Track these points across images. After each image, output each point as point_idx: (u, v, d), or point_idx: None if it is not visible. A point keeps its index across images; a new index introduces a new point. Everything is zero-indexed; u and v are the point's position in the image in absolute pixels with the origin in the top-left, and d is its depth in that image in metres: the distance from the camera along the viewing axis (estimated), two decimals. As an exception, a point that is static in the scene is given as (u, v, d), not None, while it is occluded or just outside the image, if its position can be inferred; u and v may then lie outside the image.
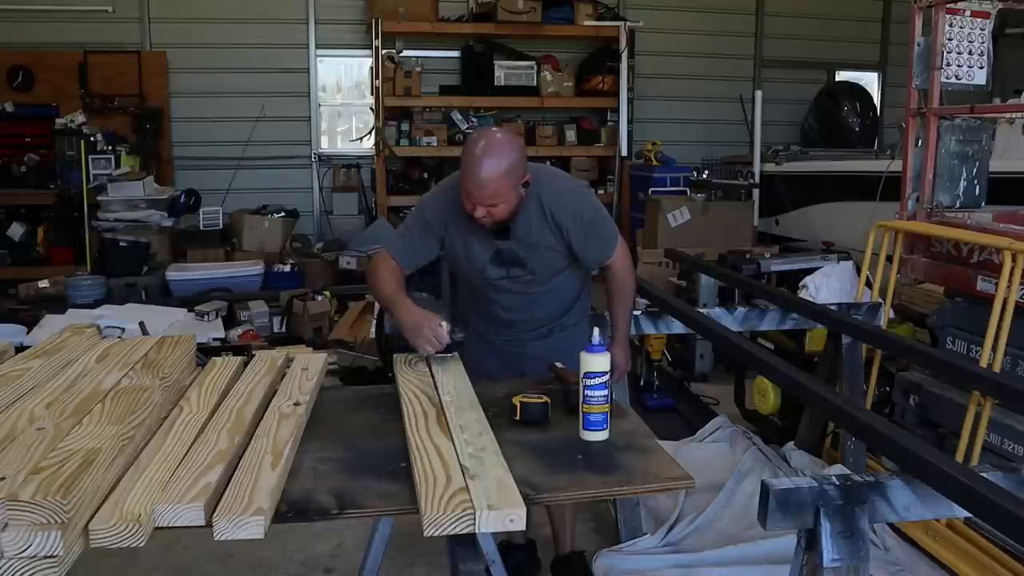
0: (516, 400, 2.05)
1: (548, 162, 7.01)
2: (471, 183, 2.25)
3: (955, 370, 2.81)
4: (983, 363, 2.90)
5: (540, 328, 2.60)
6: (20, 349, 2.49)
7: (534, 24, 7.94)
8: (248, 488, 1.56)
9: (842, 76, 9.58)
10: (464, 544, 1.67)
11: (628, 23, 7.95)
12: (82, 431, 1.69)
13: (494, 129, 2.44)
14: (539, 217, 2.40)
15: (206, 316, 5.42)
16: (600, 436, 1.95)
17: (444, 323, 2.36)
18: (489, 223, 2.34)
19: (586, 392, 1.94)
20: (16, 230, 7.45)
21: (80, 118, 7.31)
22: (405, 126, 8.05)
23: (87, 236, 6.86)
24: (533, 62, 8.27)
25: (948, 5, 3.51)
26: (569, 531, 2.88)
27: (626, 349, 2.67)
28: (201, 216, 7.19)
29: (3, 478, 1.44)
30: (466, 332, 2.74)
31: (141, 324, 4.95)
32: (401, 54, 8.17)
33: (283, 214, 7.58)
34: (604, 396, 1.94)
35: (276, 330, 5.64)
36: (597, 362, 1.95)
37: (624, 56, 7.83)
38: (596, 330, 2.01)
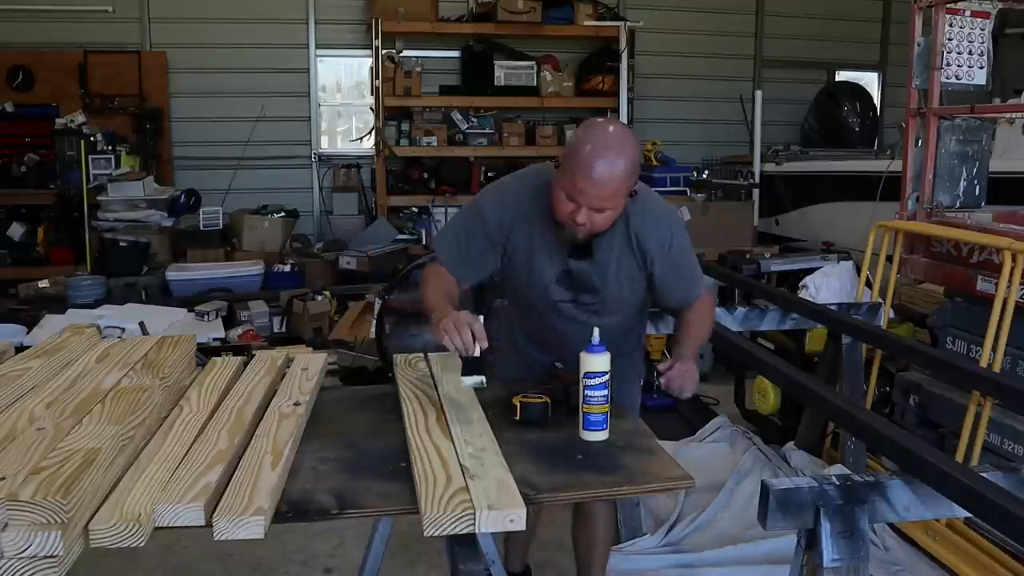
0: (516, 400, 2.05)
1: (548, 162, 6.99)
2: (587, 180, 1.92)
3: (955, 370, 2.82)
4: (983, 363, 2.90)
5: None
6: (20, 349, 2.49)
7: (534, 24, 7.93)
8: (248, 488, 1.56)
9: (842, 76, 9.57)
10: (464, 544, 1.67)
11: (628, 23, 7.93)
12: (82, 431, 1.69)
13: (606, 120, 2.06)
14: (623, 239, 2.12)
15: (206, 316, 5.42)
16: (600, 436, 1.94)
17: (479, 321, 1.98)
18: (584, 233, 2.04)
19: (586, 392, 1.94)
20: (16, 230, 7.45)
21: (80, 118, 7.31)
22: (405, 126, 8.04)
23: (87, 236, 6.86)
24: (533, 62, 8.27)
25: (948, 5, 3.51)
26: (522, 547, 2.74)
27: (689, 366, 2.11)
28: (201, 216, 7.19)
29: (3, 478, 1.44)
30: (498, 349, 2.49)
31: (141, 324, 4.95)
32: (401, 54, 8.16)
33: (283, 214, 7.58)
34: (604, 396, 1.94)
35: (276, 330, 5.64)
36: (597, 362, 1.94)
37: (624, 56, 7.81)
38: (596, 330, 1.99)
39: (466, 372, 2.03)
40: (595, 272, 2.16)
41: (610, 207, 1.98)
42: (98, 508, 1.47)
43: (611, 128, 2.01)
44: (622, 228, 2.11)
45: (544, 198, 2.10)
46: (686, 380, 2.08)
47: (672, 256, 2.16)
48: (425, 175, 8.14)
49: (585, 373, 1.94)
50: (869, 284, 3.82)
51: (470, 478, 1.64)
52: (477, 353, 1.95)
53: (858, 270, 4.35)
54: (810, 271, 4.74)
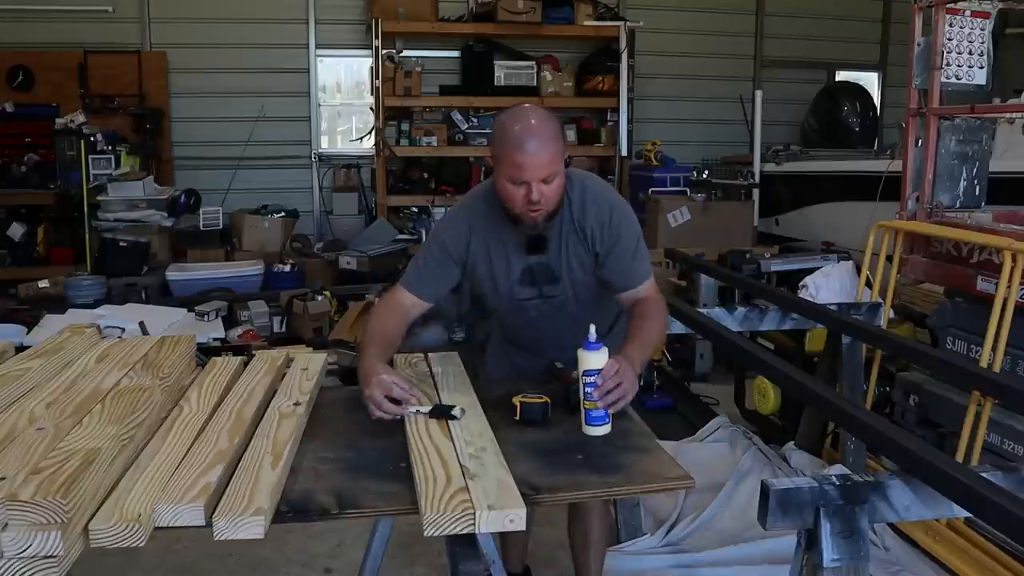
0: (516, 400, 2.05)
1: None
2: (523, 153, 2.01)
3: (955, 370, 2.81)
4: (983, 363, 2.90)
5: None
6: (20, 349, 2.49)
7: (534, 24, 7.93)
8: (248, 488, 1.56)
9: (842, 76, 9.57)
10: (464, 544, 1.66)
11: (628, 23, 7.95)
12: (82, 431, 1.69)
13: (519, 105, 2.17)
14: (568, 225, 2.20)
15: (206, 316, 5.41)
16: (602, 431, 1.94)
17: (405, 387, 2.01)
18: (543, 213, 2.10)
19: (586, 388, 1.94)
20: (16, 230, 7.44)
21: (80, 118, 7.30)
22: (405, 126, 8.05)
23: (87, 236, 6.86)
24: (533, 62, 8.27)
25: (948, 5, 3.51)
26: (521, 547, 2.75)
27: (631, 365, 2.01)
28: (201, 216, 7.19)
29: (3, 478, 1.44)
30: (491, 355, 2.60)
31: (141, 324, 4.94)
32: (401, 54, 8.16)
33: (283, 214, 7.58)
34: (604, 392, 1.94)
35: (276, 330, 5.64)
36: (595, 359, 1.94)
37: (624, 56, 7.82)
38: (592, 327, 1.99)
39: (445, 416, 1.97)
40: (553, 263, 2.24)
41: (555, 172, 2.07)
42: (98, 508, 1.47)
43: (527, 106, 2.13)
44: (567, 214, 2.19)
45: (494, 203, 2.17)
46: (620, 382, 1.92)
47: (613, 235, 2.20)
48: (425, 175, 8.14)
49: (584, 371, 1.94)
50: (869, 284, 3.81)
51: (470, 478, 1.64)
52: (411, 409, 1.97)
53: (858, 270, 4.35)
54: (810, 271, 4.73)
